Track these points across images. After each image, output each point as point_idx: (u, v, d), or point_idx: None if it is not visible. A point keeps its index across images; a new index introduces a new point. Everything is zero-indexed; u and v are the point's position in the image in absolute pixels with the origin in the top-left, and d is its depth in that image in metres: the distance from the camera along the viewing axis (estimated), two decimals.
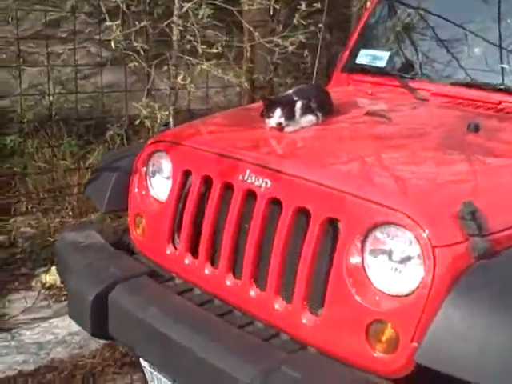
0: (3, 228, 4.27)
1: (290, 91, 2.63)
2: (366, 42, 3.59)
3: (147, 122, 3.83)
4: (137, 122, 3.85)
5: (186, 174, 2.42)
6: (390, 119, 2.53)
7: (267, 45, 4.25)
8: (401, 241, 1.83)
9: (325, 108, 2.59)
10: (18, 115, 5.06)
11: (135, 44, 3.71)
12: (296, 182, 2.06)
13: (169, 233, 2.45)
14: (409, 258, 1.83)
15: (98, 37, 5.36)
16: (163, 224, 2.47)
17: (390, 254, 1.85)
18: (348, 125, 2.52)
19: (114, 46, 3.58)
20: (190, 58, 4.17)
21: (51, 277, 3.80)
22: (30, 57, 5.83)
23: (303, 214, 2.02)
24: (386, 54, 3.40)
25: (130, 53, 4.01)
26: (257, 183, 2.16)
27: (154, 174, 2.61)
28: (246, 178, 2.19)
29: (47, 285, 3.75)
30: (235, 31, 5.66)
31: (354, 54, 3.55)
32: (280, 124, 2.44)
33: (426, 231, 1.76)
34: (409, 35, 3.50)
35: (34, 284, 3.77)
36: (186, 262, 2.38)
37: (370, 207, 1.86)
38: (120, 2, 4.11)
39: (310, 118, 2.51)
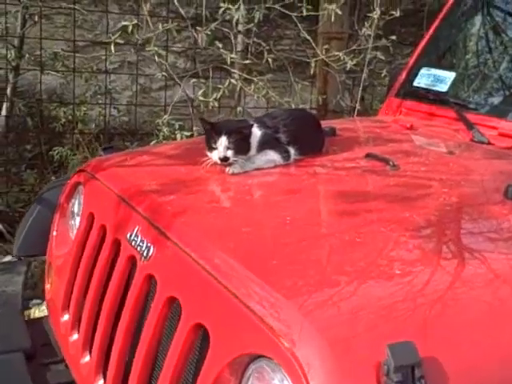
0: None
1: (255, 117, 1.88)
2: (431, 57, 2.72)
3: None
4: (152, 142, 3.24)
5: (91, 218, 1.75)
6: (396, 167, 1.69)
7: (326, 59, 3.48)
8: None
9: (304, 144, 1.80)
10: (68, 125, 4.66)
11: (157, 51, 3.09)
12: (179, 257, 1.32)
13: (65, 295, 1.80)
14: None
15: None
16: (61, 282, 1.82)
17: None
18: (327, 171, 1.70)
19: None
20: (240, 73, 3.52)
21: (39, 313, 3.29)
22: (101, 64, 5.47)
23: (176, 311, 1.28)
24: (450, 76, 2.52)
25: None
26: (139, 248, 1.44)
27: (74, 213, 1.97)
28: (132, 238, 1.48)
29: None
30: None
31: (412, 74, 2.69)
32: (225, 159, 1.68)
33: None
34: (487, 51, 2.60)
35: None
36: (71, 340, 1.71)
37: (250, 323, 1.08)
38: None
39: (272, 157, 1.73)
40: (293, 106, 3.50)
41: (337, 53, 3.41)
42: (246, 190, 1.58)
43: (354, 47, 3.61)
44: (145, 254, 1.40)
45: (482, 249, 1.25)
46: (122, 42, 3.05)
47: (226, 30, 3.42)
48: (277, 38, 6.27)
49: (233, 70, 3.46)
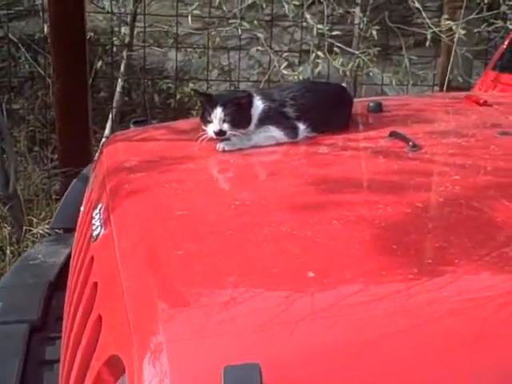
0: None
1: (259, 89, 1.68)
2: None
3: None
4: None
5: (90, 193, 1.69)
6: (416, 148, 1.41)
7: (434, 29, 3.11)
8: None
9: (320, 120, 1.57)
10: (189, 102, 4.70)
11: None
12: (108, 239, 1.19)
13: None
14: None
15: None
16: None
17: None
18: (329, 151, 1.46)
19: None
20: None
21: None
22: (229, 41, 5.46)
23: None
24: None
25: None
26: (94, 227, 1.34)
27: None
28: (95, 216, 1.39)
29: None
30: None
31: None
32: (221, 133, 1.51)
33: None
34: None
35: None
36: None
37: (123, 321, 0.92)
38: None
39: (273, 132, 1.53)
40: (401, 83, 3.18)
41: (448, 22, 3.04)
42: (221, 169, 1.42)
43: (471, 17, 3.18)
44: (94, 235, 1.30)
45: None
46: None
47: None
48: (415, 11, 5.84)
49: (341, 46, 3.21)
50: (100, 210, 1.37)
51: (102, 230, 1.28)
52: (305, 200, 1.18)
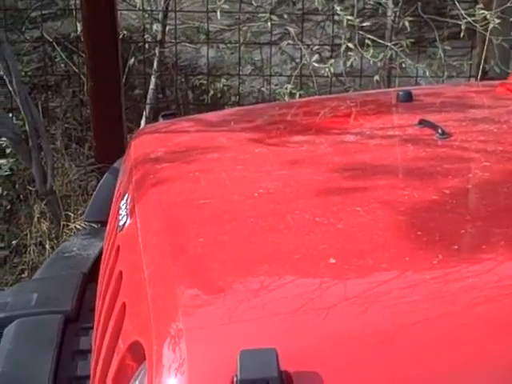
0: None
1: None
2: None
3: None
4: None
5: (119, 186, 1.71)
6: (445, 135, 1.39)
7: (468, 18, 3.04)
8: None
9: None
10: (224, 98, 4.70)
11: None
12: (133, 229, 1.20)
13: None
14: None
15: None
16: None
17: None
18: (357, 139, 1.44)
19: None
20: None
21: None
22: (261, 36, 5.44)
23: None
24: None
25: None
26: (121, 217, 1.35)
27: None
28: (121, 207, 1.40)
29: None
30: None
31: None
32: None
33: None
34: None
35: None
36: None
37: (145, 306, 0.93)
38: None
39: None
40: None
41: (482, 11, 2.98)
42: (245, 158, 1.40)
43: (507, 5, 3.10)
44: (120, 225, 1.32)
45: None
46: None
47: None
48: (449, 3, 5.75)
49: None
50: (126, 200, 1.38)
51: (128, 220, 1.29)
52: (329, 187, 1.17)
